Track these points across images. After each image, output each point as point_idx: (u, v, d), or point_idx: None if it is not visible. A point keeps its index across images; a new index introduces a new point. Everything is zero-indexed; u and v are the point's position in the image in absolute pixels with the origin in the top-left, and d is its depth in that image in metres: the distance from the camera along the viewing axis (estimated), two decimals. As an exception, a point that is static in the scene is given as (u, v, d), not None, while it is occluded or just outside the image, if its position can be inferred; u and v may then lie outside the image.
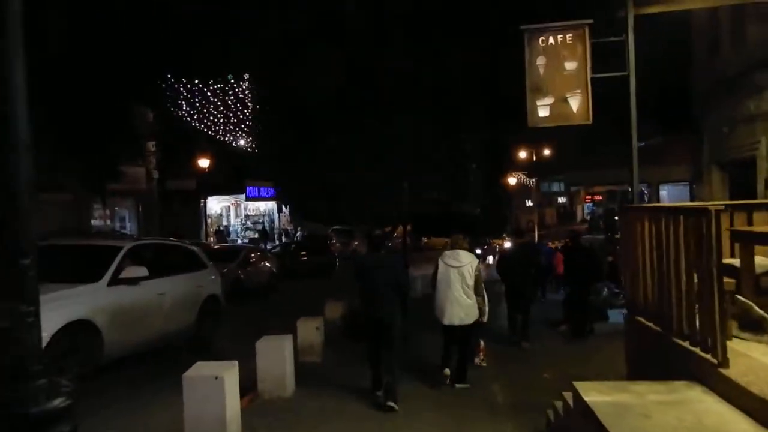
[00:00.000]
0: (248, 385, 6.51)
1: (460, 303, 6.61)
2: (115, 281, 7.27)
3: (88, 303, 6.80)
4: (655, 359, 5.08)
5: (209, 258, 16.53)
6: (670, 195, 11.04)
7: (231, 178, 26.20)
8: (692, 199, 10.57)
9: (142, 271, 7.55)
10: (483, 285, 6.85)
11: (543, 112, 5.98)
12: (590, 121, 6.01)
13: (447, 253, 6.92)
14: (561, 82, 5.95)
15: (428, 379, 7.44)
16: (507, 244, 18.87)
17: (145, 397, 6.49)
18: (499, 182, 25.52)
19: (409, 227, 12.60)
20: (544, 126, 6.06)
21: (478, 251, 25.12)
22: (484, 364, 8.02)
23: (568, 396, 4.77)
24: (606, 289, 12.09)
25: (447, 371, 6.97)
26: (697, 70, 10.06)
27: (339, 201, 7.57)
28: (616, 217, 15.57)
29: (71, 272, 7.18)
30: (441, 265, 6.84)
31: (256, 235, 28.84)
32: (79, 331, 6.53)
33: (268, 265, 18.18)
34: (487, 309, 6.95)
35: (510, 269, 9.72)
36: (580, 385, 4.23)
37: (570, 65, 5.93)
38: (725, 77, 8.91)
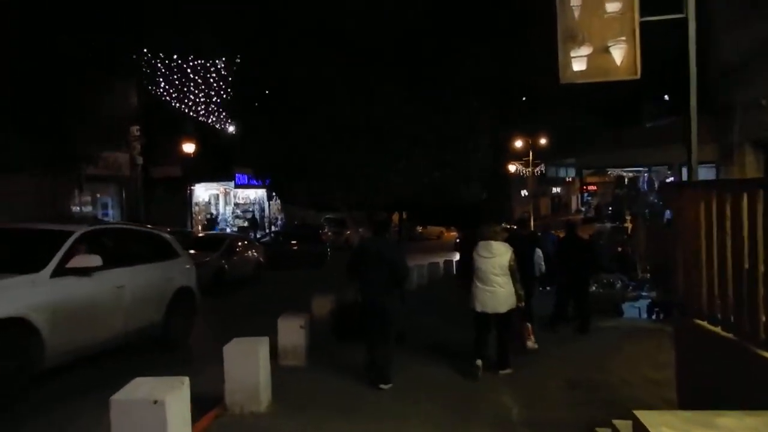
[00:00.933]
0: (219, 396, 5.35)
1: (495, 293, 6.63)
2: (60, 272, 6.04)
3: (23, 297, 5.58)
4: (727, 376, 3.95)
5: (191, 246, 15.50)
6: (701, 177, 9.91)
7: (219, 165, 24.85)
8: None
9: (95, 260, 6.33)
10: (517, 272, 6.78)
11: (578, 65, 4.81)
12: (637, 76, 4.86)
13: (480, 244, 6.85)
14: (601, 28, 4.77)
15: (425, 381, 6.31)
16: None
17: (76, 417, 5.27)
18: (502, 169, 24.42)
19: (404, 215, 11.32)
20: (579, 81, 4.91)
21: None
22: (536, 347, 7.99)
23: (622, 426, 3.62)
24: (620, 282, 10.98)
25: (479, 362, 6.74)
26: (726, 35, 8.88)
27: (327, 186, 6.64)
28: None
29: (9, 261, 5.98)
30: (475, 256, 6.80)
31: (246, 224, 27.60)
32: (10, 331, 5.33)
33: (255, 254, 16.97)
34: (522, 293, 6.87)
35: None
36: (644, 416, 3.09)
37: (612, 6, 4.74)
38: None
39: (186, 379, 3.75)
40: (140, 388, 3.56)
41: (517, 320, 7.47)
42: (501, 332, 6.98)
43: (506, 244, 6.84)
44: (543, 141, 39.71)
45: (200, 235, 18.57)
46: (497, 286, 6.62)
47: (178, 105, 20.83)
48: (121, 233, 7.63)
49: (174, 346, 7.70)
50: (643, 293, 11.53)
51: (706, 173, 9.84)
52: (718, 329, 4.09)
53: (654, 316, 10.58)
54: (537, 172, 28.71)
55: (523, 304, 6.94)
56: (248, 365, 5.24)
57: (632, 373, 6.86)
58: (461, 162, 7.31)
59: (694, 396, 4.47)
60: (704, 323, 4.29)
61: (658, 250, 9.89)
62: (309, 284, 14.31)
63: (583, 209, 57.52)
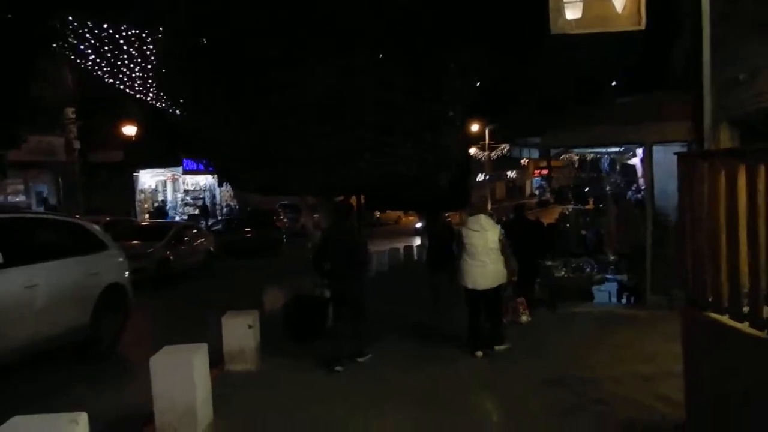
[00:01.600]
0: (150, 414, 4.41)
1: (486, 268, 6.44)
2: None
3: None
4: (753, 379, 3.30)
5: (133, 236, 14.22)
6: (666, 158, 9.40)
7: (166, 149, 23.22)
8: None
9: (-6, 257, 5.23)
10: (508, 246, 6.63)
11: (573, 13, 4.07)
12: (642, 26, 4.15)
13: (470, 219, 6.74)
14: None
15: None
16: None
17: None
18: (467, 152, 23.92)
19: (362, 200, 10.41)
20: (573, 32, 4.18)
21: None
22: (529, 319, 7.93)
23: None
24: (589, 266, 10.47)
25: (479, 354, 6.60)
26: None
27: (291, 172, 6.00)
28: (587, 189, 14.00)
29: None
30: (464, 231, 6.61)
31: (197, 212, 26.15)
32: None
33: (204, 244, 15.79)
34: (516, 267, 6.77)
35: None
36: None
37: (613, -57, 4.00)
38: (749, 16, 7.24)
39: (83, 416, 2.80)
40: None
41: (511, 295, 7.45)
42: (493, 308, 6.78)
43: (493, 220, 6.78)
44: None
45: (144, 223, 17.20)
46: (489, 261, 6.43)
47: (115, 83, 19.11)
48: (31, 224, 6.43)
49: (102, 352, 6.64)
50: (608, 276, 11.11)
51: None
52: (743, 326, 3.44)
53: (624, 300, 10.13)
54: (503, 152, 28.37)
55: (516, 279, 6.84)
56: (181, 379, 4.31)
57: (618, 367, 6.25)
58: (443, 149, 6.55)
59: (708, 402, 3.84)
60: (723, 318, 3.64)
61: (629, 231, 9.39)
62: (263, 275, 13.34)
63: (536, 193, 58.15)
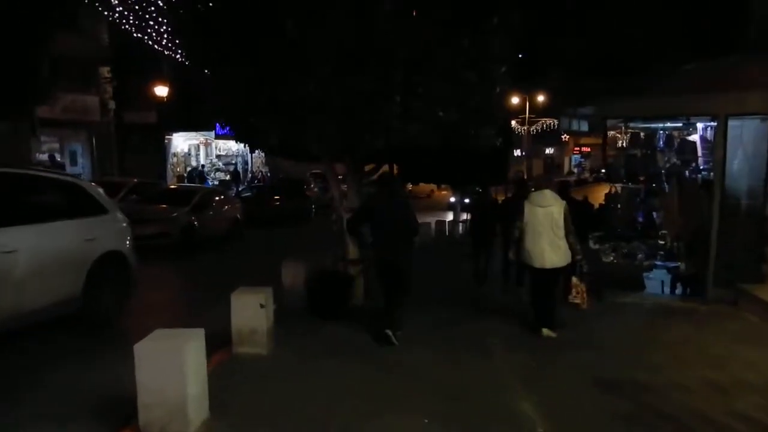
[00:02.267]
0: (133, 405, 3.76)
1: (553, 245, 6.16)
2: None
3: None
4: None
5: (157, 200, 13.74)
6: (746, 133, 8.17)
7: (198, 112, 22.72)
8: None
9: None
10: (572, 224, 6.29)
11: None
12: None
13: (533, 194, 6.47)
14: None
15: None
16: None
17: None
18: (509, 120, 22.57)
19: (395, 169, 9.54)
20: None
21: (467, 200, 21.99)
22: (578, 301, 7.28)
23: None
24: (641, 252, 9.43)
25: (546, 331, 6.35)
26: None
27: (300, 128, 5.26)
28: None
29: None
30: (528, 207, 6.30)
31: (228, 177, 25.75)
32: None
33: (232, 211, 15.24)
34: (579, 247, 6.43)
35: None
36: None
37: None
38: None
39: None
40: None
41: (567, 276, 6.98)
42: (552, 288, 6.45)
43: (557, 196, 6.43)
44: (541, 98, 37.83)
45: (170, 187, 16.74)
46: (557, 238, 6.14)
47: (151, 43, 18.58)
48: (14, 181, 5.54)
49: (97, 326, 6.04)
50: (658, 262, 10.04)
51: (756, 128, 8.17)
52: None
53: (679, 291, 9.08)
54: (543, 127, 27.07)
55: (580, 257, 6.43)
56: (170, 371, 3.61)
57: (682, 371, 5.32)
58: (483, 97, 5.59)
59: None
60: None
61: (693, 214, 8.30)
62: (290, 245, 12.71)
63: (575, 171, 56.00)
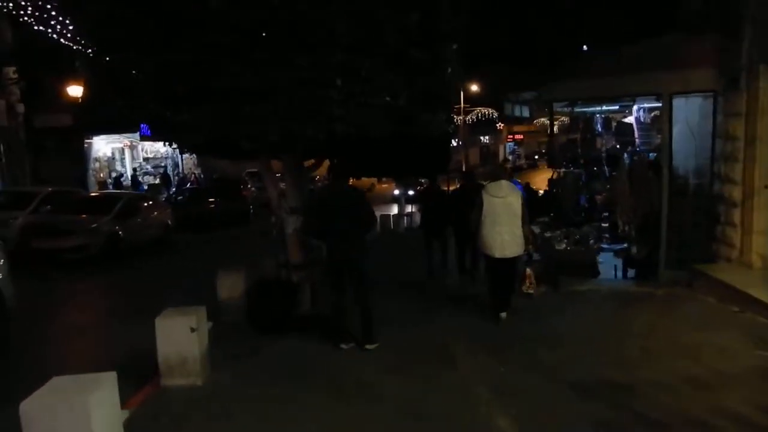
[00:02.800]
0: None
1: (511, 234, 6.18)
2: None
3: None
4: None
5: (77, 209, 12.40)
6: (688, 110, 7.98)
7: (121, 113, 20.94)
8: (718, 117, 7.65)
9: None
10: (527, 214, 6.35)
11: None
12: None
13: (490, 185, 6.40)
14: None
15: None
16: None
17: None
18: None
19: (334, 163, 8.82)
20: None
21: (411, 192, 21.64)
22: (531, 291, 7.45)
23: None
24: (593, 237, 9.20)
25: (504, 315, 6.39)
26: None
27: (230, 122, 4.60)
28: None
29: None
30: (486, 197, 6.26)
31: (158, 181, 24.12)
32: None
33: (161, 216, 14.06)
34: (531, 233, 6.59)
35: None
36: None
37: None
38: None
39: None
40: None
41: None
42: (511, 276, 6.56)
43: (513, 185, 6.47)
44: (474, 88, 38.01)
45: (90, 194, 15.31)
46: (514, 227, 6.15)
47: (59, 37, 16.91)
48: None
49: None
50: (604, 245, 9.89)
51: (701, 104, 8.03)
52: None
53: (631, 275, 8.90)
54: (485, 114, 27.18)
55: (532, 248, 6.55)
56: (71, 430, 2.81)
57: (657, 366, 4.97)
58: (434, 79, 5.01)
59: None
60: None
61: (642, 196, 8.09)
62: (227, 251, 11.78)
63: (510, 158, 56.94)
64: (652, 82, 8.07)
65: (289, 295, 6.50)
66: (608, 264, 9.22)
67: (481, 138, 54.21)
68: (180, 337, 4.61)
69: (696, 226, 8.17)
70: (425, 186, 10.91)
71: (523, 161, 49.09)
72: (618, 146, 13.10)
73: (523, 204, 6.26)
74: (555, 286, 8.14)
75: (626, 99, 9.73)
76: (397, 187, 17.83)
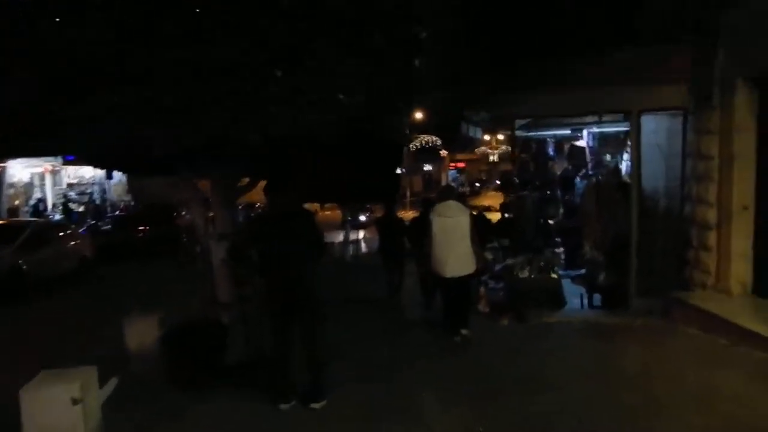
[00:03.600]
0: None
1: (460, 254, 6.05)
2: None
3: None
4: None
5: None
6: (657, 129, 7.40)
7: (41, 132, 18.95)
8: (688, 135, 7.11)
9: None
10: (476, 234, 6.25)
11: None
12: None
13: (438, 206, 6.31)
14: None
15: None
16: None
17: None
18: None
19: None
20: None
21: (363, 218, 20.73)
22: (487, 310, 7.38)
23: None
24: (556, 264, 8.46)
25: (465, 332, 6.22)
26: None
27: (137, 120, 3.71)
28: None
29: None
30: (435, 219, 6.16)
31: (81, 209, 21.93)
32: None
33: (76, 247, 12.36)
34: (485, 254, 6.78)
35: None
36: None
37: None
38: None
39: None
40: None
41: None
42: (465, 295, 6.44)
43: (462, 205, 6.38)
44: (419, 115, 37.75)
45: (-6, 223, 13.40)
46: (465, 247, 6.06)
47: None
48: None
49: None
50: (562, 272, 9.19)
51: (669, 123, 7.50)
52: None
53: (598, 304, 8.16)
54: (428, 142, 26.74)
55: (483, 265, 6.45)
56: None
57: (673, 421, 4.08)
58: (398, 72, 4.08)
59: None
60: None
61: (609, 220, 7.41)
62: (150, 285, 10.27)
63: (453, 185, 57.21)
64: (619, 99, 7.49)
65: (216, 340, 5.27)
66: (568, 292, 8.49)
67: (425, 166, 54.18)
68: (58, 412, 3.32)
69: (666, 251, 7.56)
70: (383, 213, 10.25)
71: (466, 188, 49.22)
72: (571, 168, 12.64)
73: (472, 224, 6.11)
74: (520, 317, 7.28)
75: (589, 118, 9.13)
76: (344, 213, 16.79)
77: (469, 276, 6.21)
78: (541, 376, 5.11)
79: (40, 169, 22.35)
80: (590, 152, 13.19)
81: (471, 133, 13.61)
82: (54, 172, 23.05)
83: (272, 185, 5.06)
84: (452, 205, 6.20)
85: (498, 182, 48.46)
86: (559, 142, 12.96)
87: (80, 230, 14.83)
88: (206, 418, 4.46)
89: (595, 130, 13.43)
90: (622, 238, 7.55)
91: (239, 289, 5.55)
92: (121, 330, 5.36)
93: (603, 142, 14.09)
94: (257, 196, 12.30)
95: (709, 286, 6.90)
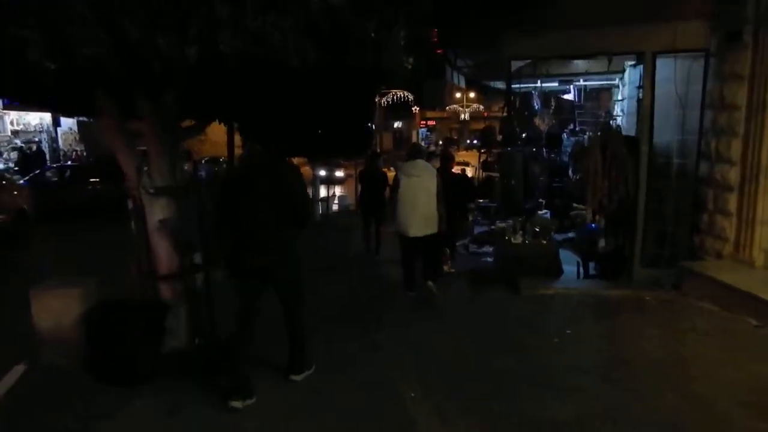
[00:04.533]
0: None
1: (426, 214, 5.86)
2: None
3: None
4: None
5: None
6: (670, 76, 6.34)
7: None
8: (707, 80, 6.10)
9: None
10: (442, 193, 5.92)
11: None
12: None
13: (405, 164, 6.10)
14: None
15: None
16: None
17: None
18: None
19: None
20: None
21: (340, 174, 19.80)
22: (453, 270, 7.24)
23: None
24: (552, 225, 7.52)
25: (431, 284, 6.02)
26: None
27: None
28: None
29: None
30: (402, 177, 5.96)
31: (17, 160, 19.61)
32: None
33: (10, 200, 10.80)
34: (444, 213, 5.98)
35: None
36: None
37: None
38: None
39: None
40: None
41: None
42: (433, 254, 6.28)
43: (428, 164, 6.20)
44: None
45: None
46: (430, 207, 5.88)
47: None
48: None
49: None
50: (557, 237, 8.31)
51: (689, 66, 6.46)
52: None
53: (597, 275, 7.29)
54: (400, 97, 25.33)
55: (445, 227, 6.06)
56: None
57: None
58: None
59: None
60: None
61: (619, 179, 6.43)
62: (94, 249, 8.96)
63: (423, 143, 55.89)
64: (632, 39, 6.40)
65: (151, 322, 4.12)
66: (577, 261, 7.63)
67: (395, 123, 52.63)
68: None
69: (679, 215, 6.68)
70: (365, 167, 9.62)
71: (435, 147, 48.17)
72: (557, 124, 11.63)
73: (438, 184, 5.88)
74: (515, 288, 6.36)
75: (591, 66, 8.05)
76: (313, 168, 15.49)
77: (434, 235, 5.94)
78: (552, 364, 4.18)
79: (-22, 115, 20.13)
80: (577, 106, 12.21)
81: (455, 80, 12.24)
82: (-5, 119, 20.83)
83: (244, 128, 4.02)
84: (419, 164, 5.96)
85: (472, 141, 47.52)
86: (546, 95, 11.89)
87: (20, 181, 13.18)
88: (133, 428, 3.39)
89: (582, 83, 12.38)
90: (628, 200, 6.62)
91: (183, 258, 4.37)
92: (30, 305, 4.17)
93: (591, 96, 13.08)
94: (223, 148, 10.89)
95: (725, 255, 6.06)
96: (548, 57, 7.50)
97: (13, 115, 20.65)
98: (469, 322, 5.34)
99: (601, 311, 5.59)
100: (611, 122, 8.84)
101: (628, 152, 6.71)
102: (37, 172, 15.47)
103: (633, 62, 8.17)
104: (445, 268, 7.20)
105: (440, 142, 53.70)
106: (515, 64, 7.58)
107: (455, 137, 57.51)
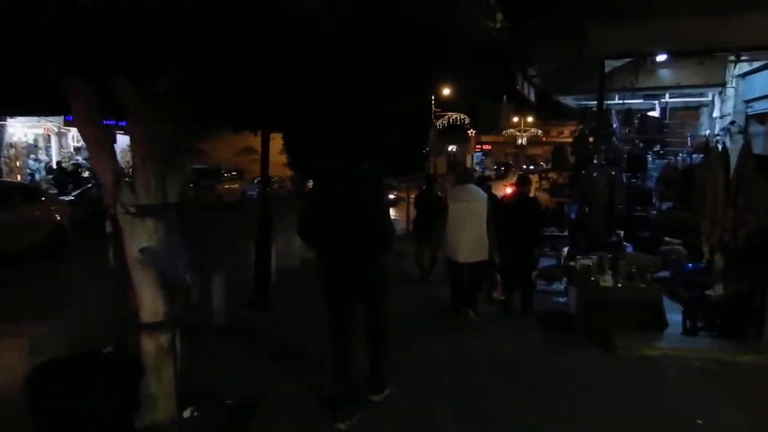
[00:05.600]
0: None
1: (473, 240, 5.68)
2: None
3: None
4: None
5: None
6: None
7: (47, 90, 16.74)
8: None
9: None
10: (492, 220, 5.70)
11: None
12: None
13: (455, 189, 6.06)
14: None
15: None
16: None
17: None
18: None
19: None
20: None
21: (391, 196, 18.49)
22: (502, 298, 6.48)
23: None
24: (655, 264, 5.93)
25: (471, 313, 5.87)
26: None
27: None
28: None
29: None
30: (452, 203, 5.83)
31: (86, 174, 19.61)
32: None
33: (48, 214, 10.20)
34: (495, 239, 5.73)
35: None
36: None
37: None
38: None
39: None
40: None
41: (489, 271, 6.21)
42: (477, 282, 5.95)
43: (480, 189, 5.96)
44: (446, 92, 34.87)
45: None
46: (479, 233, 5.64)
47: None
48: None
49: None
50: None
51: None
52: None
53: (708, 328, 5.63)
54: (456, 120, 24.06)
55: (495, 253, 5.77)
56: None
57: None
58: None
59: None
60: None
61: (754, 208, 4.84)
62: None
63: (477, 168, 54.12)
64: (711, 33, 4.85)
65: (120, 388, 2.93)
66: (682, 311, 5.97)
67: (449, 147, 51.29)
68: None
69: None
70: (421, 191, 8.95)
71: (492, 172, 46.32)
72: (642, 145, 9.99)
73: (488, 209, 5.70)
74: (607, 344, 4.86)
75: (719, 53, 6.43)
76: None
77: (482, 262, 5.76)
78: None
79: (42, 130, 20.32)
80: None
81: (526, 91, 10.71)
82: (60, 134, 21.01)
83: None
84: (470, 189, 5.83)
85: (529, 166, 45.45)
86: (628, 112, 10.28)
87: (61, 196, 12.70)
88: None
89: (668, 99, 10.76)
90: (759, 236, 5.00)
91: (173, 301, 3.19)
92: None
93: (676, 115, 11.39)
94: (278, 168, 9.93)
95: None
96: (648, 54, 5.99)
97: (74, 132, 20.74)
98: (552, 391, 3.89)
99: (736, 386, 4.03)
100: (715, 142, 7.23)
101: (761, 176, 5.11)
102: (89, 186, 15.04)
103: (742, 72, 6.58)
104: (495, 294, 6.78)
105: (495, 166, 51.95)
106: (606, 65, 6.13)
107: (511, 162, 55.47)
